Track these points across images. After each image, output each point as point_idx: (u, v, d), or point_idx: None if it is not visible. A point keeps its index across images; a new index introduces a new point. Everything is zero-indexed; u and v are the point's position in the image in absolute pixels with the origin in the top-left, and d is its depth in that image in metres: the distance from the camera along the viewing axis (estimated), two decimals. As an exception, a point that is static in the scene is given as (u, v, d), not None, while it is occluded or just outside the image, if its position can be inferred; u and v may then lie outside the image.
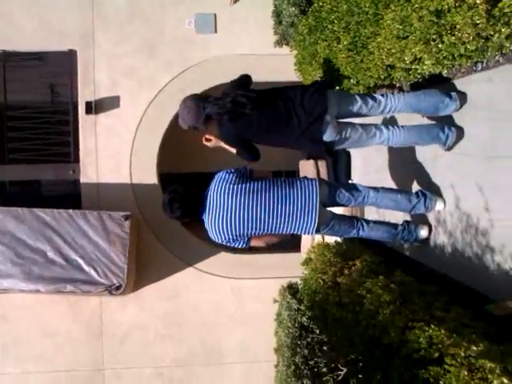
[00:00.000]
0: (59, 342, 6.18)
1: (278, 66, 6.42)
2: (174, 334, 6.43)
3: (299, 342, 4.35)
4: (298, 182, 3.42)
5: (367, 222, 3.72)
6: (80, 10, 6.14)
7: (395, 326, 2.74)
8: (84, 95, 6.19)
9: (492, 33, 2.15)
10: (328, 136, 3.25)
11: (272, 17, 6.07)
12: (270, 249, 4.11)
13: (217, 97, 3.39)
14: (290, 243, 6.76)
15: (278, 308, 5.37)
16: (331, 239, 4.96)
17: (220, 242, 3.47)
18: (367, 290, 3.34)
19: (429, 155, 3.84)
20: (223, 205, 3.32)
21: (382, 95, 3.37)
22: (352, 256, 4.29)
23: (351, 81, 3.27)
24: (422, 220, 3.83)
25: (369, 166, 5.08)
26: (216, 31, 6.45)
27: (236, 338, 6.48)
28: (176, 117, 6.42)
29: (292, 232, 3.47)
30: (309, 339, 4.36)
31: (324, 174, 5.88)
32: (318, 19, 3.89)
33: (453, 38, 2.21)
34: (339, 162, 5.74)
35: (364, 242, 5.07)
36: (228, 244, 3.50)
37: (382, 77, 3.03)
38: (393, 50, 2.60)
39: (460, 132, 3.40)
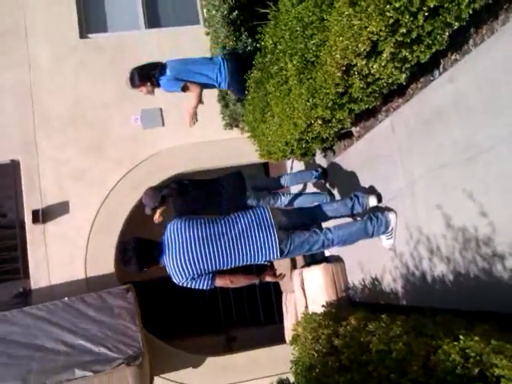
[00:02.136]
0: None
1: (230, 149, 6.33)
2: None
3: None
4: (250, 211, 3.52)
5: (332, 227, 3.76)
6: (20, 119, 5.98)
7: (416, 355, 2.22)
8: (30, 204, 5.80)
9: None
10: (249, 201, 4.45)
11: (218, 101, 6.04)
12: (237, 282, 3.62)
13: (166, 184, 4.66)
14: (274, 336, 6.19)
15: (271, 409, 4.63)
16: (316, 307, 4.44)
17: (185, 281, 3.30)
18: (371, 334, 2.81)
19: (402, 183, 3.56)
20: (182, 240, 3.31)
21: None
22: (344, 316, 3.76)
23: (308, 103, 3.04)
24: (384, 208, 3.87)
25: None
26: (163, 124, 6.36)
27: None
28: (131, 216, 6.13)
29: (257, 258, 3.38)
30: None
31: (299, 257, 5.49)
32: (262, 68, 3.77)
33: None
34: (310, 232, 5.37)
35: (353, 303, 4.59)
36: (193, 285, 3.33)
37: (341, 89, 2.81)
38: (346, 42, 2.40)
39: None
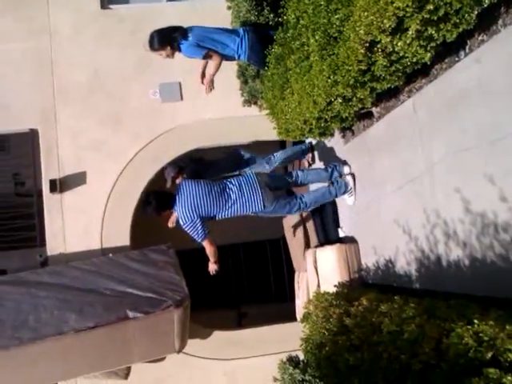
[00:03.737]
0: None
1: (248, 126, 6.27)
2: None
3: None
4: (241, 177, 4.58)
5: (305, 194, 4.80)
6: (40, 88, 5.98)
7: (428, 338, 2.21)
8: (48, 174, 5.83)
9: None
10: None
11: (238, 77, 5.98)
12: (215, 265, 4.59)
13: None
14: (285, 312, 6.23)
15: (280, 385, 4.66)
16: (328, 287, 4.44)
17: (188, 223, 4.29)
18: (383, 314, 2.81)
19: (422, 165, 3.51)
20: (190, 193, 4.38)
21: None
22: (356, 297, 3.76)
23: (329, 80, 2.99)
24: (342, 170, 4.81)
25: (358, 203, 4.70)
26: (182, 99, 6.32)
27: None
28: (147, 189, 6.15)
29: (246, 210, 4.42)
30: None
31: (310, 227, 5.48)
32: (283, 43, 3.71)
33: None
34: (325, 212, 5.36)
35: (366, 285, 4.58)
36: (192, 231, 4.31)
37: (364, 66, 2.75)
38: (371, 17, 2.34)
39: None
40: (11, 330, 4.62)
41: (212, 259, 4.55)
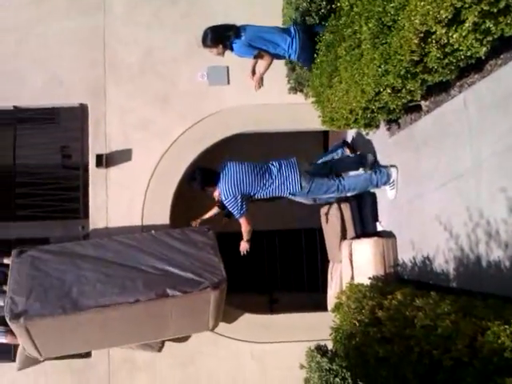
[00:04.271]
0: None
1: (293, 114, 6.26)
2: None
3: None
4: (283, 159, 4.79)
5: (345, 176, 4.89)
6: (92, 64, 6.13)
7: (462, 334, 2.19)
8: (95, 149, 6.00)
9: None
10: None
11: (285, 64, 5.97)
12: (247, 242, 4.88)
13: None
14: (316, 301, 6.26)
15: (307, 373, 4.69)
16: (362, 280, 4.43)
17: (230, 198, 4.57)
18: (418, 309, 2.79)
19: (469, 163, 3.43)
20: (233, 171, 4.64)
21: None
22: (390, 290, 3.75)
23: (379, 70, 2.96)
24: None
25: (400, 198, 4.65)
26: (229, 83, 6.36)
27: (259, 411, 5.74)
28: (190, 169, 6.25)
29: (283, 190, 4.65)
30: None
31: (348, 218, 5.45)
32: (335, 31, 3.69)
33: None
34: (365, 204, 5.32)
35: (401, 280, 4.54)
36: (232, 206, 4.60)
37: (416, 57, 2.71)
38: (427, 7, 2.31)
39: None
40: (55, 299, 4.79)
41: (245, 237, 4.81)
